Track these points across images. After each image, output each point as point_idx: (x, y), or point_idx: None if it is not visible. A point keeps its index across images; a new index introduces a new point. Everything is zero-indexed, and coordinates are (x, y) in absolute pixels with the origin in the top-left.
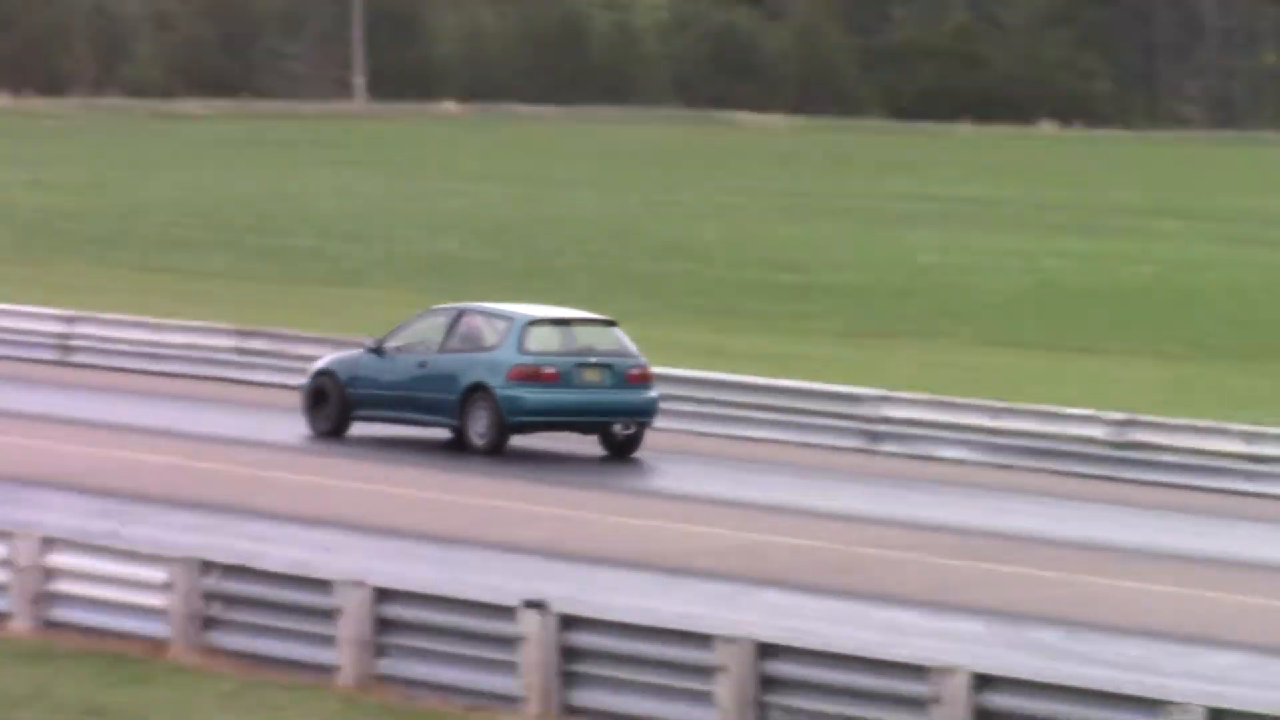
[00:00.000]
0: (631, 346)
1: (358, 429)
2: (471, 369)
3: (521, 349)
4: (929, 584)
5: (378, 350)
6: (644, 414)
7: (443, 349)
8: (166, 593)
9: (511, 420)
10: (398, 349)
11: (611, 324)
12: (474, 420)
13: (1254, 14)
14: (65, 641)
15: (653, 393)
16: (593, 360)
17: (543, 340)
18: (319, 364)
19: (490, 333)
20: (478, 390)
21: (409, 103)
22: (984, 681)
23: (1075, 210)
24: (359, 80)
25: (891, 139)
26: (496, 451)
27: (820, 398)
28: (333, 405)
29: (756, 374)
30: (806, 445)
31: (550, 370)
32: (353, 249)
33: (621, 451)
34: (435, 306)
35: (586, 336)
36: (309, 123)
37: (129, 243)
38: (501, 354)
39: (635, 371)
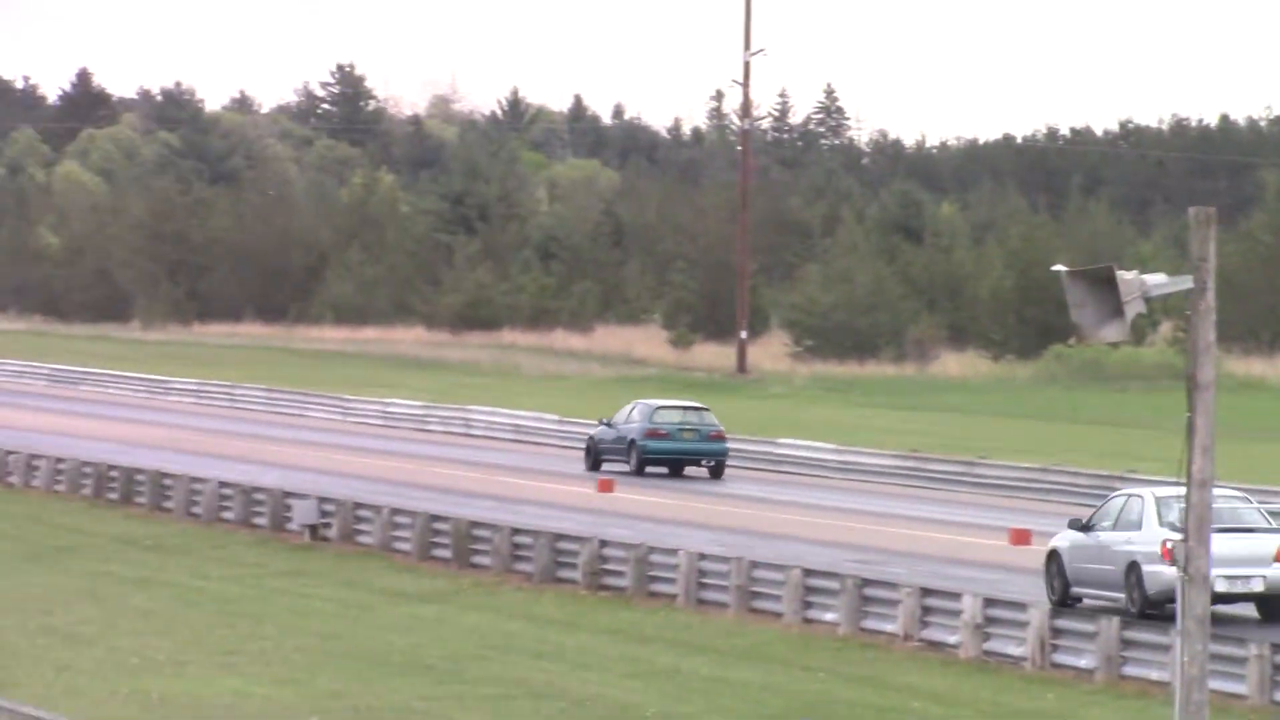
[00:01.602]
0: (714, 419)
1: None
2: (628, 431)
3: (649, 420)
4: None
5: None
6: (717, 455)
7: (624, 421)
8: None
9: (644, 457)
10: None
11: (703, 408)
12: (630, 458)
13: None
14: None
15: (724, 444)
16: (688, 425)
17: (663, 416)
18: None
19: (638, 412)
20: (632, 443)
21: None
22: None
23: None
24: None
25: None
26: (640, 474)
27: None
28: None
29: None
30: None
31: (664, 431)
32: None
33: (714, 474)
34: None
35: (688, 414)
36: None
37: None
38: (641, 424)
39: (713, 433)
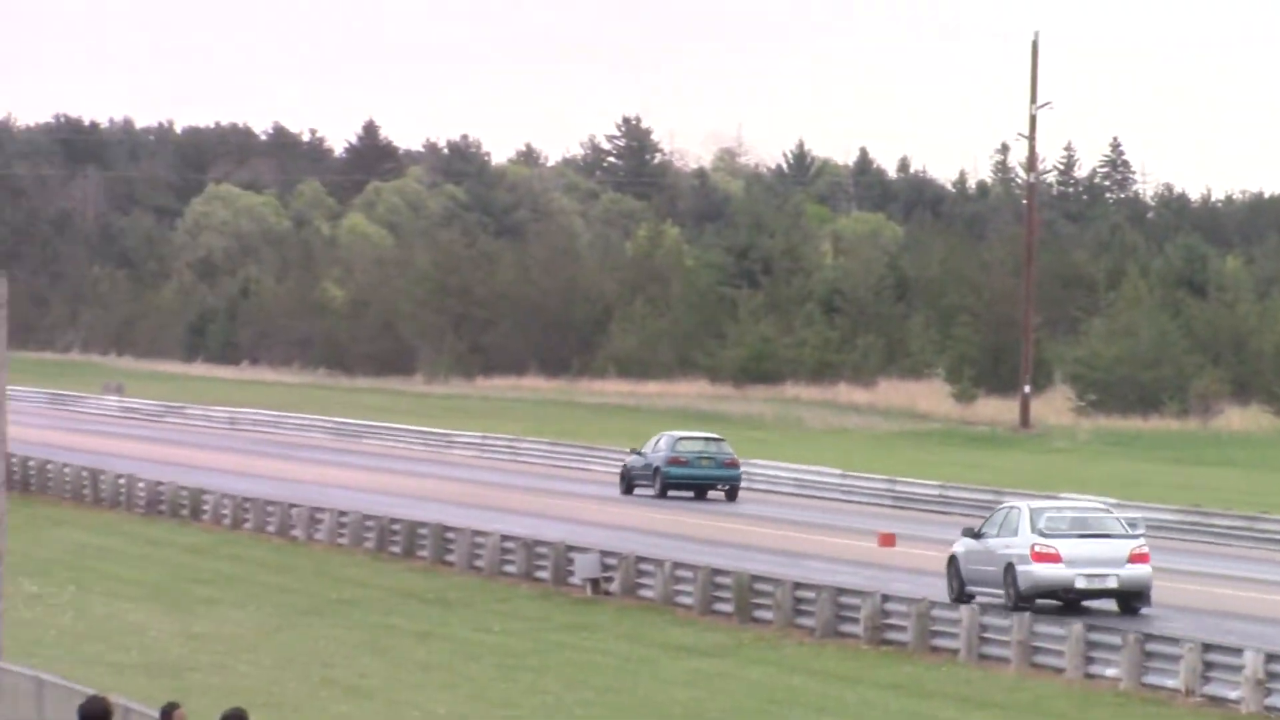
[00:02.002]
0: (729, 449)
1: None
2: (654, 459)
3: (672, 450)
4: None
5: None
6: (731, 481)
7: (651, 451)
8: None
9: (667, 482)
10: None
11: (719, 439)
12: (655, 483)
13: None
14: None
15: (738, 470)
16: (706, 454)
17: (683, 446)
18: None
19: (664, 443)
20: (657, 469)
21: None
22: None
23: None
24: None
25: None
26: (663, 497)
27: None
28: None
29: None
30: None
31: (685, 459)
32: None
33: (729, 497)
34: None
35: (707, 444)
36: None
37: None
38: (665, 453)
39: (728, 460)
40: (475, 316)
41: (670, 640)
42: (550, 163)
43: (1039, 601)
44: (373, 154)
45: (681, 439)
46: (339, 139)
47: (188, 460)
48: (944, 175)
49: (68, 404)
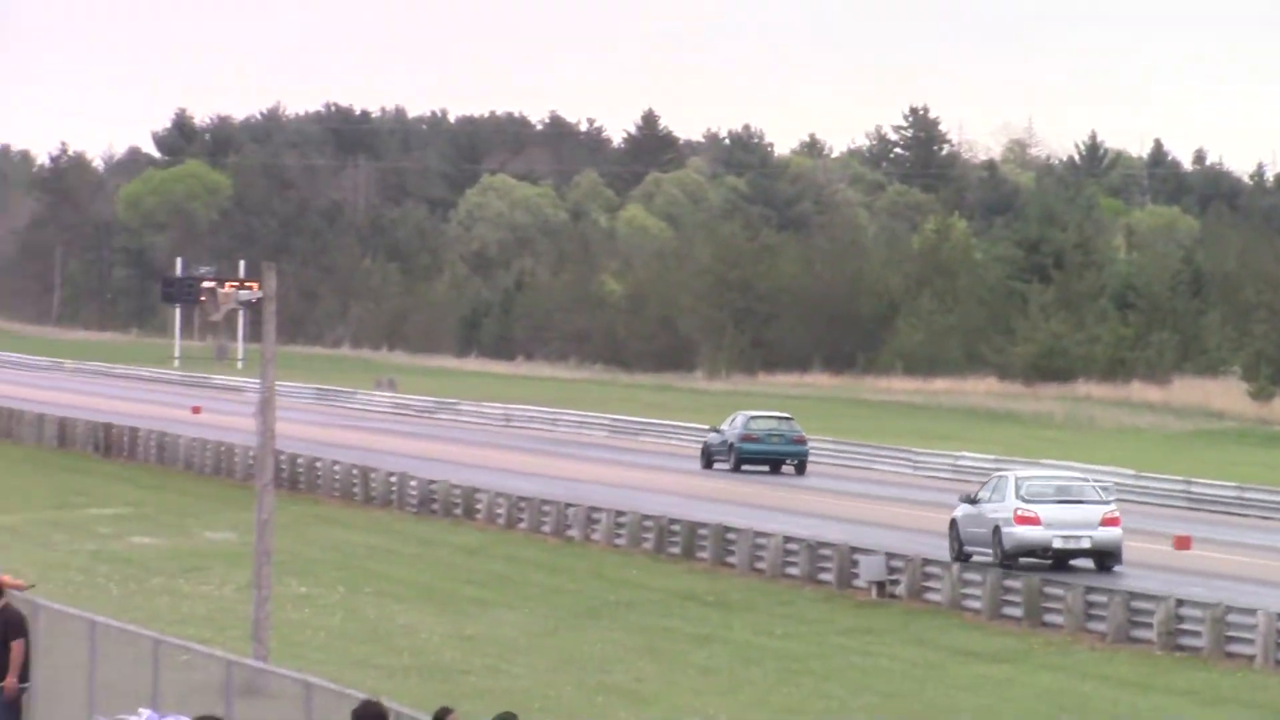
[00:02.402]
0: (798, 427)
1: None
2: (730, 435)
3: (745, 428)
4: None
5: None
6: (799, 456)
7: (726, 429)
8: None
9: (741, 457)
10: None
11: (789, 418)
12: (730, 459)
13: None
14: None
15: (805, 446)
16: (776, 432)
17: (755, 424)
18: None
19: (739, 421)
20: (732, 445)
21: None
22: None
23: None
24: None
25: None
26: (737, 470)
27: None
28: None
29: None
30: None
31: (757, 436)
32: None
33: (798, 471)
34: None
35: (779, 424)
36: None
37: None
38: (740, 430)
39: (796, 437)
40: (757, 311)
41: (957, 645)
42: (835, 154)
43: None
44: (652, 144)
45: (754, 418)
46: (617, 129)
47: (460, 458)
48: (1240, 167)
49: (337, 400)
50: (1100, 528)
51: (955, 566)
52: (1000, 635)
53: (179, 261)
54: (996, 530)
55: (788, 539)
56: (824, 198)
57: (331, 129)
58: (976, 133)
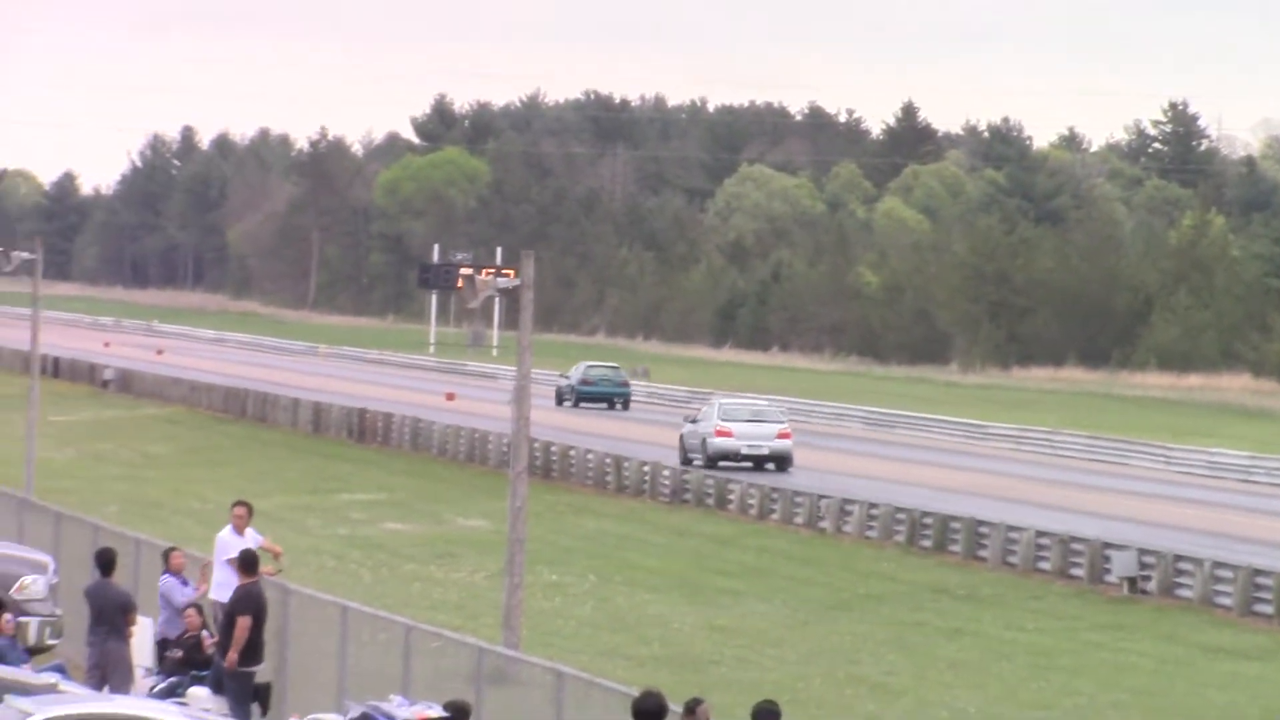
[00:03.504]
0: (623, 373)
1: None
2: (573, 380)
3: (584, 374)
4: None
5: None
6: (624, 396)
7: (571, 375)
8: None
9: (580, 396)
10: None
11: (616, 366)
12: (573, 398)
13: None
14: None
15: (629, 388)
16: (606, 378)
17: (591, 371)
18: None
19: (579, 368)
20: (573, 388)
21: None
22: None
23: None
24: None
25: None
26: (576, 406)
27: None
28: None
29: None
30: None
31: (591, 380)
32: None
33: (624, 407)
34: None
35: (608, 370)
36: None
37: None
38: (579, 376)
39: (621, 380)
40: (1013, 304)
41: (1208, 642)
42: (1094, 148)
43: (723, 462)
44: (911, 136)
45: (590, 366)
46: (876, 120)
47: None
48: None
49: None
50: (776, 440)
51: (1207, 563)
52: (1252, 632)
53: (435, 248)
54: (704, 441)
55: (1040, 533)
56: (1082, 192)
57: (590, 117)
58: (1236, 128)
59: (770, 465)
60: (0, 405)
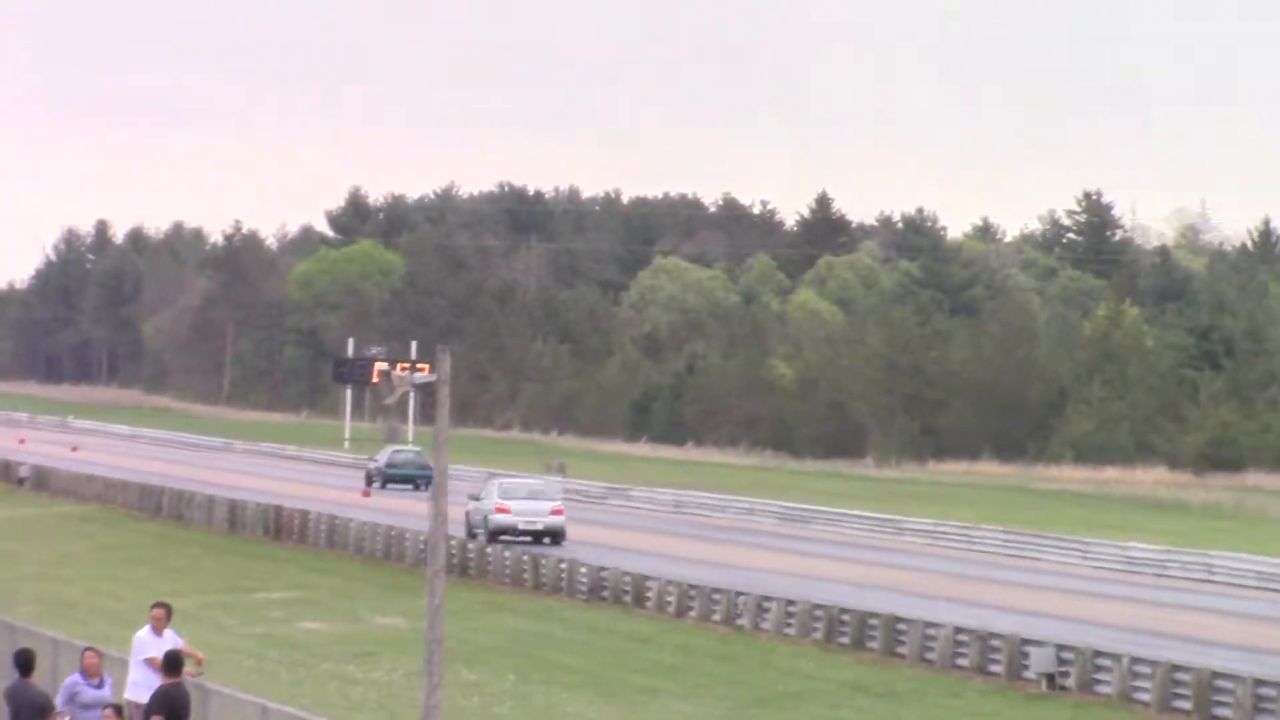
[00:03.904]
0: (425, 456)
1: None
2: (381, 463)
3: (390, 459)
4: None
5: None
6: (427, 478)
7: (379, 458)
8: None
9: (387, 478)
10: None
11: (420, 450)
12: (380, 480)
13: None
14: None
15: (430, 470)
16: (410, 461)
17: (397, 455)
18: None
19: (386, 452)
20: (381, 471)
21: None
22: None
23: None
24: None
25: None
26: (384, 488)
27: None
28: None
29: None
30: None
31: (397, 464)
32: None
33: (426, 488)
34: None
35: (412, 454)
36: None
37: None
38: (386, 459)
39: (424, 464)
40: (927, 397)
41: None
42: (1008, 238)
43: (502, 537)
44: (825, 227)
45: (396, 451)
46: (791, 211)
47: (630, 544)
48: None
49: None
50: (550, 515)
51: (1125, 658)
52: None
53: (350, 342)
54: (485, 517)
55: (958, 629)
56: (996, 283)
57: (505, 209)
58: (1150, 218)
59: (546, 539)
60: None
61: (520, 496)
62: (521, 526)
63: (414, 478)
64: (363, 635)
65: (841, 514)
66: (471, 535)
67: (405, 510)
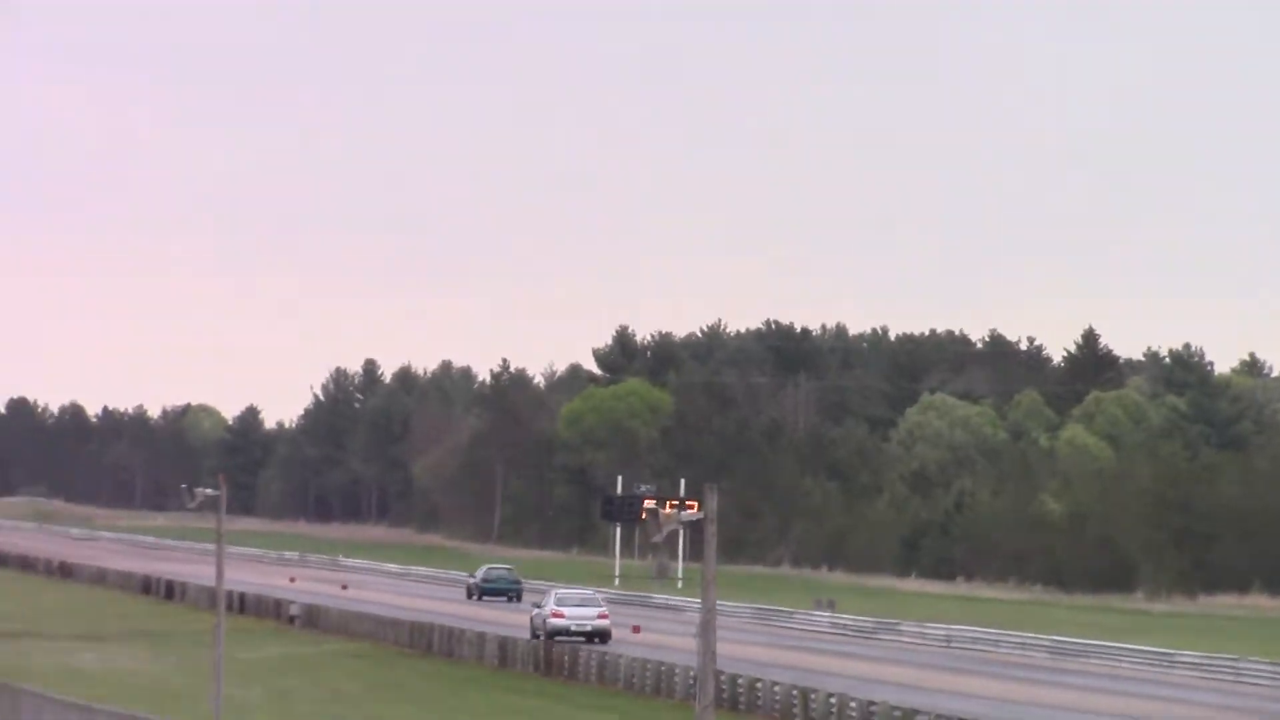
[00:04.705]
0: (516, 574)
1: None
2: (477, 579)
3: (485, 574)
4: None
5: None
6: (517, 590)
7: (477, 575)
8: None
9: (483, 591)
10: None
11: (510, 568)
12: (477, 593)
13: None
14: None
15: (520, 584)
16: (502, 577)
17: (491, 571)
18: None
19: (481, 570)
20: (478, 585)
21: None
22: None
23: None
24: None
25: None
26: (480, 599)
27: None
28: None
29: None
30: None
31: (491, 579)
32: None
33: (517, 599)
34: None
35: (505, 570)
36: None
37: None
38: (482, 575)
39: (514, 579)
40: (1196, 531)
41: None
42: (1275, 372)
43: (558, 637)
44: (1092, 363)
45: (490, 567)
46: (1057, 347)
47: (900, 678)
48: None
49: (775, 619)
50: (596, 619)
51: None
52: None
53: (619, 480)
54: (544, 620)
55: None
56: (1264, 418)
57: (772, 346)
58: None
59: (596, 639)
60: (188, 642)
61: (573, 604)
62: (574, 629)
63: (506, 590)
64: None
65: (1112, 646)
66: (535, 636)
67: (670, 645)
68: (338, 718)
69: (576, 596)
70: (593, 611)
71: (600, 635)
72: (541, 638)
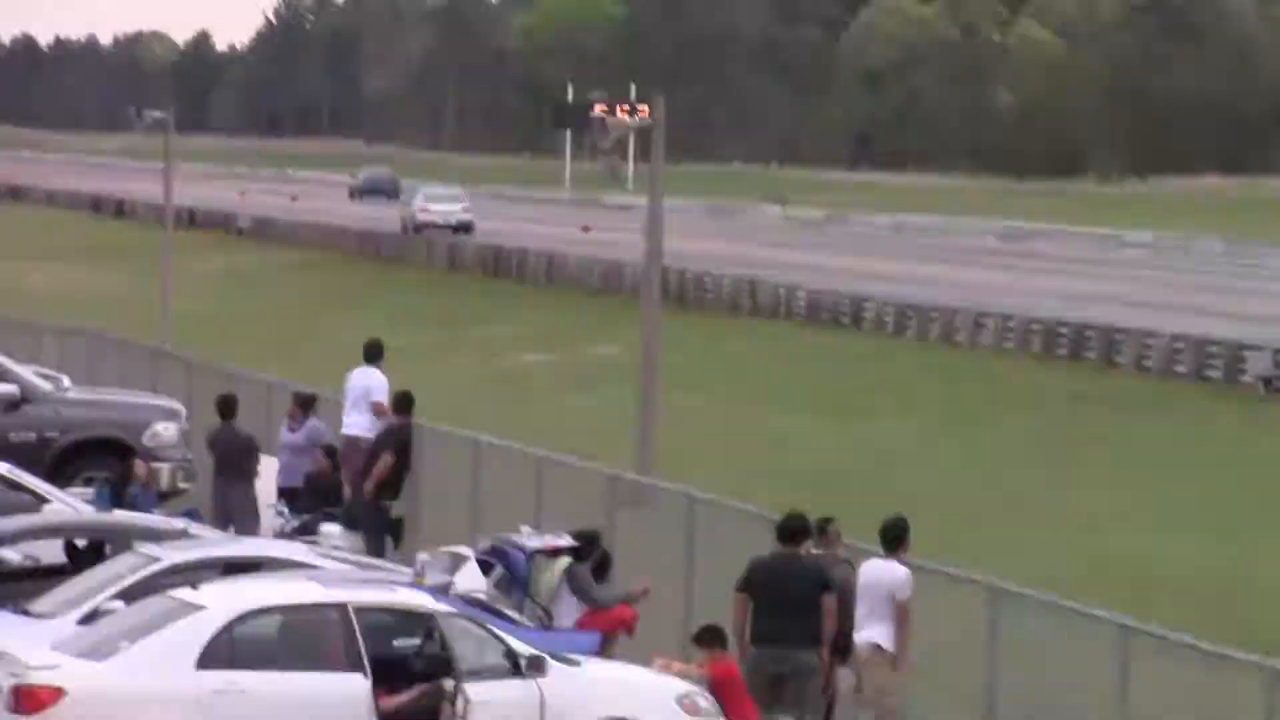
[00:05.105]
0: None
1: None
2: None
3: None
4: None
5: None
6: (466, 226)
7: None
8: None
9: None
10: None
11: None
12: None
13: None
14: None
15: (470, 215)
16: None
17: (428, 196)
18: None
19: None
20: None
21: None
22: None
23: None
24: None
25: None
26: (419, 232)
27: None
28: None
29: None
30: None
31: (427, 207)
32: None
33: (467, 230)
34: None
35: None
36: None
37: None
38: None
39: (465, 207)
40: (1150, 115)
41: None
42: None
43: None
44: None
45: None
46: None
47: (849, 268)
48: None
49: (727, 217)
50: (461, 214)
51: None
52: None
53: (569, 86)
54: (414, 216)
55: (1175, 337)
56: (1218, 4)
57: None
58: None
59: (460, 231)
60: (138, 257)
61: (438, 201)
62: (439, 222)
63: (384, 191)
64: (581, 365)
65: (1061, 230)
66: (404, 230)
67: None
68: (285, 323)
69: (443, 194)
70: (457, 206)
71: (464, 228)
72: (410, 230)
